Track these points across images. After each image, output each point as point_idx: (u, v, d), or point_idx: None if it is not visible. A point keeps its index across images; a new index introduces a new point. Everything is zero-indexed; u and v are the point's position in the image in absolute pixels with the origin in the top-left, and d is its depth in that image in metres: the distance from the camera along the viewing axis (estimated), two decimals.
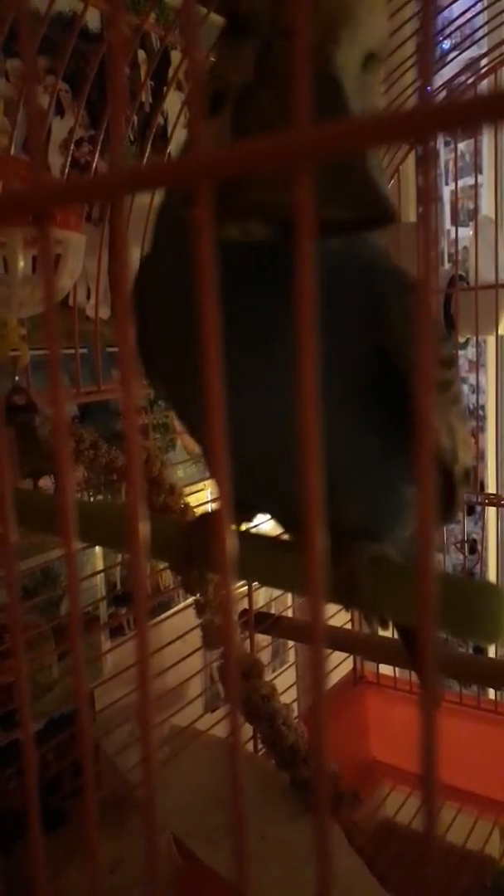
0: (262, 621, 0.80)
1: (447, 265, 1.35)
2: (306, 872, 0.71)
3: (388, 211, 0.24)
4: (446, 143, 1.67)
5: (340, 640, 0.82)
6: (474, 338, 1.05)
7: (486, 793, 0.83)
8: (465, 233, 1.54)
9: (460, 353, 1.31)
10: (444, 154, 1.67)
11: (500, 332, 1.00)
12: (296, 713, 0.91)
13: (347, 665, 0.97)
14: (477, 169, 1.60)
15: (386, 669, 0.96)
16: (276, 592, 0.89)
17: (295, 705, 0.94)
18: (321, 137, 0.14)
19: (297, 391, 0.13)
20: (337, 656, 0.93)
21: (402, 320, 0.28)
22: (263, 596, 0.86)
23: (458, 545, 1.60)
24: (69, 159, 0.61)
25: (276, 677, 0.96)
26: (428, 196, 0.14)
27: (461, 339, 1.03)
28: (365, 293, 0.29)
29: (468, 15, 0.87)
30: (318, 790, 0.17)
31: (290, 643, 0.97)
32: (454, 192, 1.64)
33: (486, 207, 1.60)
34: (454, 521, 0.42)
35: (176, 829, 0.67)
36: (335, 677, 0.95)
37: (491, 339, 1.55)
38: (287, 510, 0.35)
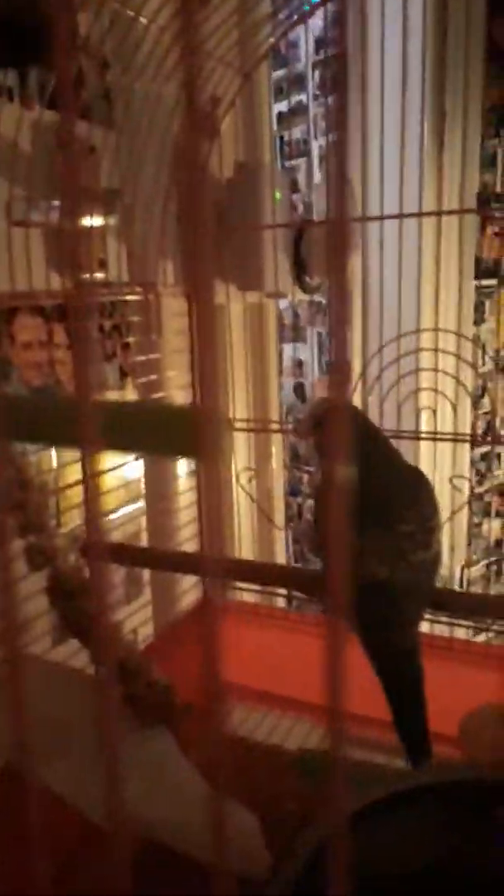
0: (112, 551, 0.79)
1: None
2: (142, 782, 0.73)
3: None
4: (315, 98, 1.68)
5: (187, 563, 0.83)
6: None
7: (305, 697, 0.87)
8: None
9: (316, 298, 1.34)
10: (314, 109, 1.67)
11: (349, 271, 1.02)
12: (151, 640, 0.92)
13: (196, 593, 0.99)
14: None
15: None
16: (121, 520, 0.89)
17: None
18: None
19: None
20: (187, 583, 0.95)
21: None
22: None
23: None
24: None
25: (138, 610, 0.96)
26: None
27: (314, 282, 1.04)
28: None
29: None
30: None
31: (147, 572, 0.97)
32: (322, 147, 1.66)
33: (353, 161, 1.62)
34: None
35: (7, 756, 0.66)
36: (184, 606, 0.96)
37: (357, 296, 1.59)
38: None
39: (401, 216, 0.98)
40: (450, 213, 1.25)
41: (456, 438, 1.40)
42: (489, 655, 0.84)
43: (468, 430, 1.33)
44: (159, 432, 0.31)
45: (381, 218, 1.07)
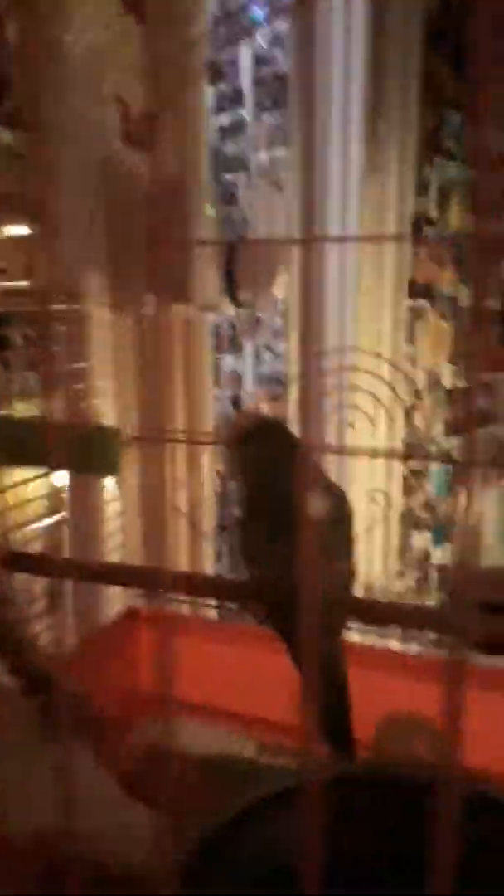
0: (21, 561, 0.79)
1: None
2: (55, 793, 0.72)
3: None
4: (256, 118, 1.71)
5: (115, 574, 0.83)
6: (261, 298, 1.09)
7: (245, 710, 0.89)
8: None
9: (244, 311, 1.36)
10: (253, 124, 1.70)
11: (275, 290, 1.05)
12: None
13: (123, 601, 0.99)
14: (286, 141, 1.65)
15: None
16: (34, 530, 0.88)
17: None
18: None
19: None
20: (111, 592, 0.94)
21: None
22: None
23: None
24: None
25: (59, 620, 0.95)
26: None
27: (244, 297, 1.06)
28: None
29: None
30: None
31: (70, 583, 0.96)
32: (261, 163, 1.69)
33: (291, 178, 1.64)
34: None
35: None
36: (110, 615, 0.96)
37: (293, 312, 1.62)
38: None
39: (324, 239, 1.00)
40: (377, 238, 1.29)
41: (390, 455, 1.44)
42: (405, 664, 0.86)
43: (398, 444, 1.37)
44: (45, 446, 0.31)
45: (302, 242, 1.09)
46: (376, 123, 1.56)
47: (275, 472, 0.66)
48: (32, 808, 0.67)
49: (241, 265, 1.02)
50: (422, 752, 0.82)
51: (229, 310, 1.16)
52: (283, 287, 1.07)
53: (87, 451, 0.28)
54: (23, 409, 0.89)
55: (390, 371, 1.41)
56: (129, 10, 1.00)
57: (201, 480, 1.09)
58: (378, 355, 0.93)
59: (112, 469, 0.29)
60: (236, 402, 1.88)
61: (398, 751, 0.82)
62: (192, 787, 0.77)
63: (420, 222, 1.79)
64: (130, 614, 0.95)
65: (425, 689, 0.85)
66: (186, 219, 0.94)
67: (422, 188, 1.78)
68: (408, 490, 1.85)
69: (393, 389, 0.86)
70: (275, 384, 1.80)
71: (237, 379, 1.87)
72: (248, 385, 1.84)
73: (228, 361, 1.85)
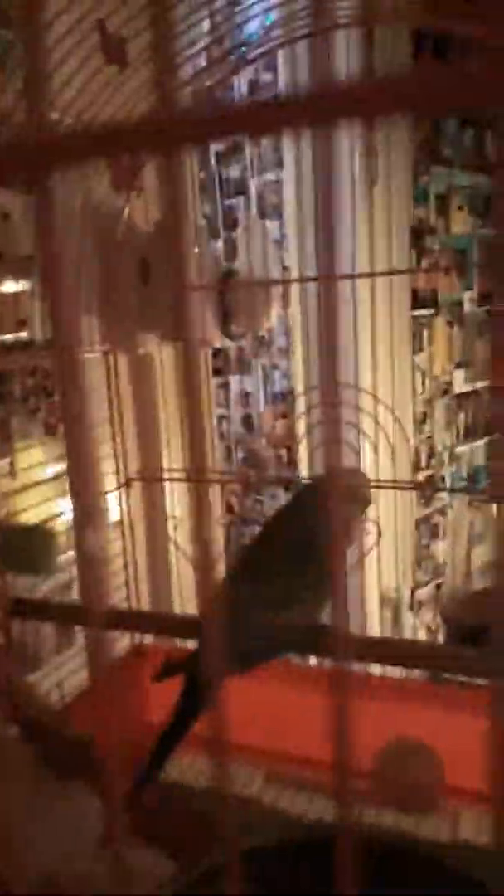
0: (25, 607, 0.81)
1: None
2: (56, 840, 0.73)
3: None
4: (251, 138, 1.72)
5: (120, 619, 0.85)
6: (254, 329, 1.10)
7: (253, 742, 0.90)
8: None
9: (238, 344, 1.37)
10: (250, 149, 1.71)
11: (267, 325, 1.06)
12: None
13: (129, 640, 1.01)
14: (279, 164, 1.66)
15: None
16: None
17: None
18: None
19: None
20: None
21: None
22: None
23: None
24: None
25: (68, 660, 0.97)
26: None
27: (239, 330, 1.07)
28: None
29: None
30: None
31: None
32: (258, 187, 1.70)
33: (289, 201, 1.66)
34: None
35: None
36: (116, 654, 0.98)
37: (297, 330, 1.63)
38: None
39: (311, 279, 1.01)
40: (382, 274, 1.30)
41: (415, 488, 1.44)
42: (403, 689, 0.87)
43: (407, 461, 1.37)
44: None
45: (303, 280, 1.10)
46: (371, 135, 1.55)
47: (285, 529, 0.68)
48: (34, 854, 0.69)
49: (234, 301, 1.03)
50: (419, 777, 0.82)
51: (225, 342, 1.18)
52: (276, 318, 1.08)
53: (23, 551, 0.30)
54: (24, 454, 0.92)
55: (402, 384, 1.42)
56: (112, 59, 1.02)
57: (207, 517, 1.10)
58: (375, 397, 0.94)
59: (47, 568, 0.30)
60: (248, 422, 1.89)
61: (397, 776, 0.83)
62: (197, 829, 0.78)
63: (420, 230, 1.79)
64: (136, 651, 0.97)
65: (421, 714, 0.86)
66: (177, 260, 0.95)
67: (420, 196, 1.78)
68: (423, 499, 1.85)
69: (392, 413, 0.87)
70: (285, 402, 1.81)
71: (247, 399, 1.88)
72: (258, 404, 1.85)
73: (238, 382, 1.86)
